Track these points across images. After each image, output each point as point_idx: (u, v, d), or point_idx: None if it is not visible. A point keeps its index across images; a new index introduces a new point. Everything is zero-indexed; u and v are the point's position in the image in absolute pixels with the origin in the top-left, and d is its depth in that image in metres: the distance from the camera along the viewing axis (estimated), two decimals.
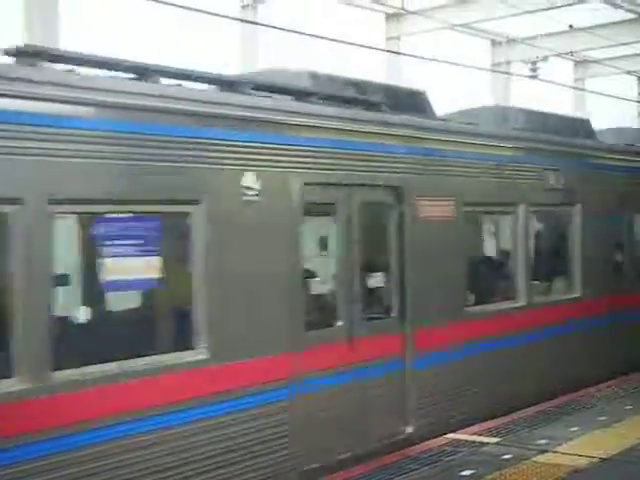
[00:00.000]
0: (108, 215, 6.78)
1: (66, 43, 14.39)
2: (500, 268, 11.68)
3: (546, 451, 8.71)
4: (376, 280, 9.26)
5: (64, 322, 6.59)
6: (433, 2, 22.51)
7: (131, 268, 6.83)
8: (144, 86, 7.16)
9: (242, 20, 18.64)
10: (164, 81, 7.52)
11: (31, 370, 5.98)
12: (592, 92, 25.17)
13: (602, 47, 25.43)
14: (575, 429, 9.54)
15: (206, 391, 7.06)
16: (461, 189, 10.18)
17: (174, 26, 16.88)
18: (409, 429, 9.23)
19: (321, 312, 8.71)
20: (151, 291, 7.19)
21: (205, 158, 7.26)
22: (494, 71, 25.94)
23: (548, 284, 12.24)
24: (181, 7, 10.73)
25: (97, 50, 7.45)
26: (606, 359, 12.54)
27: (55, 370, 6.14)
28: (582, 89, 27.93)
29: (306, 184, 8.16)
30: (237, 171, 7.54)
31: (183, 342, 7.15)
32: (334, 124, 8.61)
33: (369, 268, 9.10)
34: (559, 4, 22.11)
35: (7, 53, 6.55)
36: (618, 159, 13.40)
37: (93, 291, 6.97)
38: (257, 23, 18.26)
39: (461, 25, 23.66)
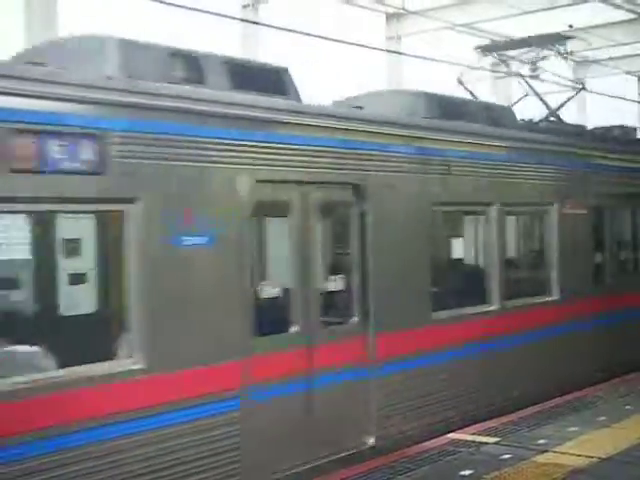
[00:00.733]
0: None
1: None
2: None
3: (546, 451, 8.72)
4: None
5: None
6: (434, 2, 22.53)
7: None
8: None
9: (243, 20, 18.66)
10: None
11: None
12: (592, 92, 25.17)
13: (602, 47, 25.46)
14: (575, 429, 9.55)
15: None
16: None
17: (174, 26, 16.88)
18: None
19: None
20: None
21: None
22: (494, 71, 25.94)
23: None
24: (182, 7, 10.74)
25: None
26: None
27: None
28: (581, 89, 27.91)
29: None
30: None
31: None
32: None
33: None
34: (559, 4, 22.14)
35: None
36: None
37: None
38: (258, 23, 18.28)
39: (461, 25, 23.68)
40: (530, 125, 12.75)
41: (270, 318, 8.07)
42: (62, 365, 6.42)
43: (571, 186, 12.23)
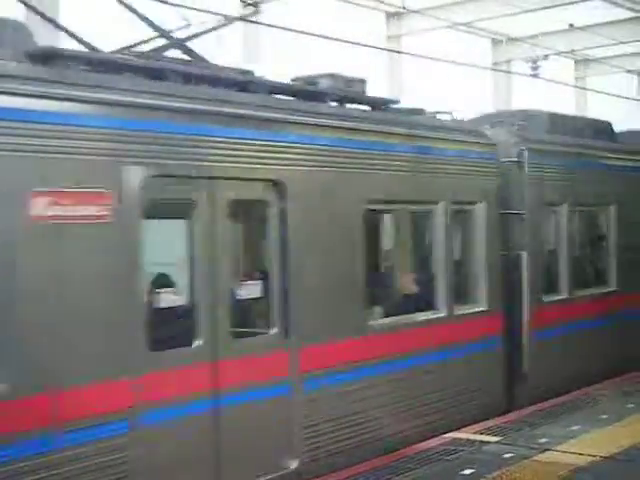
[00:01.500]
0: None
1: (66, 44, 14.41)
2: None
3: (547, 450, 8.70)
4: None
5: None
6: (434, 1, 22.52)
7: None
8: None
9: (243, 19, 18.62)
10: None
11: None
12: (593, 90, 25.19)
13: (603, 46, 25.46)
14: (576, 428, 9.53)
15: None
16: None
17: (174, 25, 16.80)
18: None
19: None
20: None
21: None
22: (495, 70, 25.96)
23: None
24: (183, 7, 10.73)
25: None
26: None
27: None
28: (583, 88, 27.95)
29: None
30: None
31: None
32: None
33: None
34: (560, 3, 22.15)
35: None
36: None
37: None
38: (258, 22, 18.25)
39: (462, 24, 23.68)
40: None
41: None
42: None
43: None
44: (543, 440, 9.04)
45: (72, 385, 6.21)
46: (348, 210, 8.62)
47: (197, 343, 7.20)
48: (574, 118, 13.59)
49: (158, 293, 7.18)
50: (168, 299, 7.25)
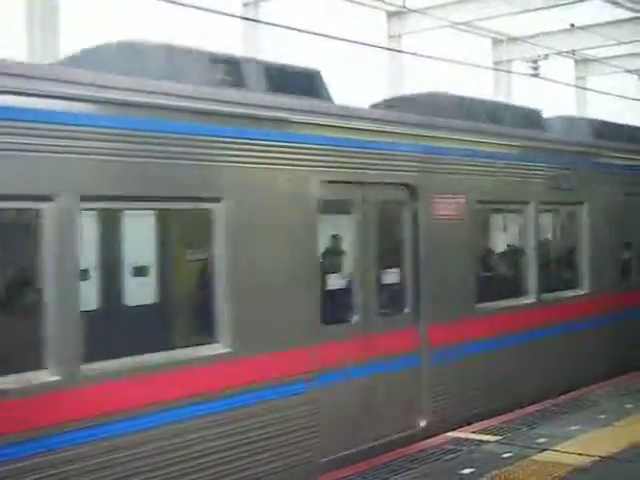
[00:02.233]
0: None
1: (66, 43, 14.43)
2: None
3: (546, 449, 8.72)
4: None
5: None
6: (435, 0, 22.52)
7: None
8: None
9: (243, 18, 18.65)
10: None
11: None
12: (593, 90, 25.19)
13: (603, 46, 25.46)
14: (575, 427, 9.54)
15: None
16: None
17: (176, 25, 16.86)
18: None
19: None
20: None
21: None
22: (495, 69, 25.96)
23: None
24: (183, 5, 10.75)
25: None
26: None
27: None
28: (584, 88, 27.95)
29: None
30: None
31: None
32: None
33: None
34: (560, 2, 22.14)
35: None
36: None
37: None
38: (259, 21, 18.28)
39: (462, 23, 23.69)
40: None
41: None
42: None
43: None
44: (542, 440, 9.05)
45: None
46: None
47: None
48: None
49: None
50: None
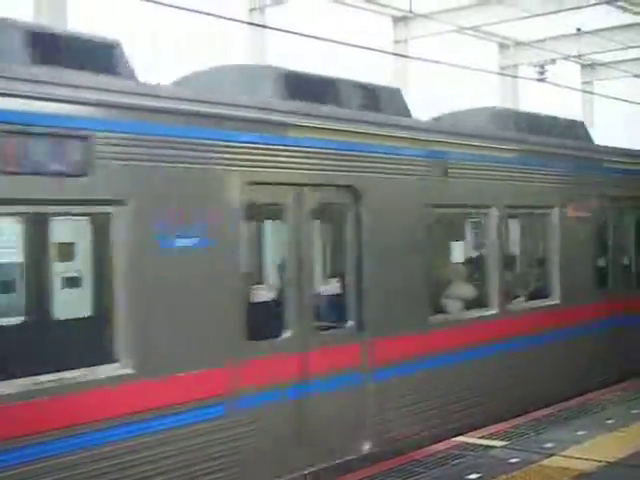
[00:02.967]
0: None
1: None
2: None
3: (553, 455, 8.68)
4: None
5: None
6: (440, 5, 22.54)
7: None
8: None
9: (250, 23, 18.69)
10: None
11: None
12: (600, 95, 25.18)
13: (610, 50, 25.45)
14: (582, 433, 9.51)
15: None
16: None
17: (178, 25, 16.93)
18: None
19: None
20: None
21: None
22: (502, 74, 25.95)
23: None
24: (189, 10, 10.79)
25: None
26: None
27: None
28: (590, 92, 27.93)
29: None
30: None
31: None
32: None
33: None
34: (567, 7, 22.14)
35: None
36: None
37: None
38: (265, 26, 18.30)
39: (469, 28, 23.70)
40: None
41: None
42: None
43: None
44: (549, 445, 9.02)
45: None
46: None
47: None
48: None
49: None
50: None
